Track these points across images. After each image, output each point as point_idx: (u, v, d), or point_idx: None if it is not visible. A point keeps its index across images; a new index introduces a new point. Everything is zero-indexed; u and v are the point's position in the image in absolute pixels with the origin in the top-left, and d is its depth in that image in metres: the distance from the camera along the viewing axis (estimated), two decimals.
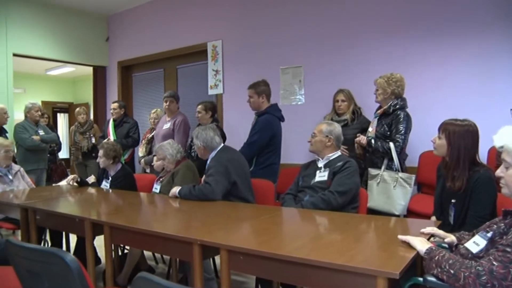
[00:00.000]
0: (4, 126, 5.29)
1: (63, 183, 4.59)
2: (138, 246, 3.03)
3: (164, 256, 4.36)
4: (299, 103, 4.94)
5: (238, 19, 5.47)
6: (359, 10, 4.49)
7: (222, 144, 3.50)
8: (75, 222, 2.78)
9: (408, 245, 1.81)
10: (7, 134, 5.23)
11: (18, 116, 6.34)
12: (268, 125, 3.96)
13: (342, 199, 2.86)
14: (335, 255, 1.72)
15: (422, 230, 2.03)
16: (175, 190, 3.30)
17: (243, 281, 3.62)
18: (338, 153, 3.12)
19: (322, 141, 3.09)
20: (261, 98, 4.08)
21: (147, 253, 3.95)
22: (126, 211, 3.09)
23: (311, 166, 3.21)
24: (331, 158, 3.08)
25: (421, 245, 1.76)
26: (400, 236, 1.87)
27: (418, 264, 1.96)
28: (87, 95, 11.94)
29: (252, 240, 2.06)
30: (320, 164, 3.11)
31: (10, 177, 4.35)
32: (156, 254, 4.33)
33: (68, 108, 12.95)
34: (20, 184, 4.42)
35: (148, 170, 5.18)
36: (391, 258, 1.73)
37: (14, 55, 6.06)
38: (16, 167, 4.51)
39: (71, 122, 12.56)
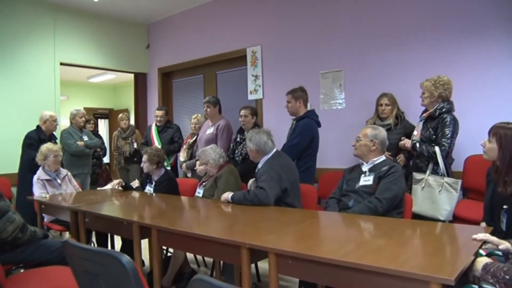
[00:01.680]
0: (54, 133, 5.47)
1: (107, 187, 4.73)
2: (185, 249, 3.08)
3: (205, 259, 4.42)
4: (339, 107, 4.91)
5: (277, 24, 5.49)
6: (401, 11, 4.43)
7: (275, 149, 3.49)
8: (123, 225, 2.85)
9: (461, 252, 1.77)
10: (56, 141, 5.41)
11: (62, 122, 6.56)
12: (309, 129, 4.04)
13: (388, 205, 2.83)
14: (387, 260, 1.71)
15: (474, 236, 1.98)
16: (227, 195, 3.32)
17: (285, 285, 3.62)
18: (383, 157, 3.09)
19: (366, 145, 3.06)
20: (298, 103, 4.18)
21: (189, 256, 3.99)
22: (172, 214, 3.15)
23: (355, 170, 3.19)
24: (376, 162, 3.05)
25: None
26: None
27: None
28: (127, 101, 12.26)
29: (300, 244, 2.06)
30: (365, 168, 3.09)
31: (59, 181, 4.51)
32: (198, 257, 4.39)
33: (108, 114, 13.29)
34: (68, 188, 4.58)
35: (189, 175, 5.25)
36: (444, 264, 1.70)
37: (61, 64, 6.29)
38: (64, 171, 4.68)
39: (111, 127, 12.89)
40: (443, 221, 3.30)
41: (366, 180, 3.02)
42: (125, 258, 1.59)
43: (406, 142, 3.66)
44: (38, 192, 4.34)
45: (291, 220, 2.73)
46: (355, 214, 2.82)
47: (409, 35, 4.38)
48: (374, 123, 3.95)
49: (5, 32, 5.74)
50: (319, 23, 5.07)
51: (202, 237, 2.29)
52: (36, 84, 6.01)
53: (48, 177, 4.45)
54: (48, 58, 6.15)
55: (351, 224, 2.60)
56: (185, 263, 3.79)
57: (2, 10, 5.71)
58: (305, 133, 4.00)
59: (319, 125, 4.19)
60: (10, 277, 2.59)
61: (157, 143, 5.67)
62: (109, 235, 4.16)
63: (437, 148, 3.44)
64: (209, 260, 4.40)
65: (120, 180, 4.36)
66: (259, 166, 3.43)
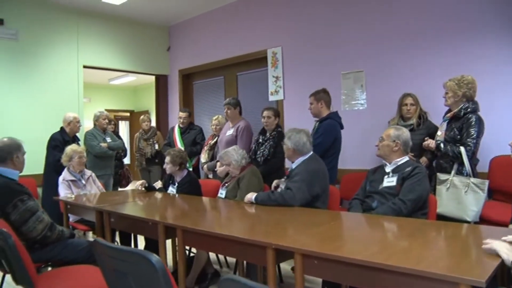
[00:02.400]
0: (77, 134, 5.56)
1: (129, 188, 4.78)
2: (210, 249, 3.10)
3: (228, 260, 4.44)
4: (361, 108, 4.89)
5: (298, 25, 5.49)
6: (423, 11, 4.39)
7: (312, 152, 3.46)
8: (148, 225, 2.89)
9: (491, 253, 1.75)
10: (79, 142, 5.50)
11: (85, 124, 6.65)
12: (332, 129, 4.06)
13: (412, 206, 2.81)
14: (414, 261, 1.70)
15: (504, 238, 1.95)
16: (251, 196, 3.33)
17: (308, 286, 3.62)
18: (406, 158, 3.07)
19: (389, 146, 3.05)
20: (320, 104, 4.22)
21: (211, 256, 4.02)
22: (196, 215, 3.18)
23: (379, 171, 3.18)
24: (399, 163, 3.03)
25: (508, 253, 1.69)
26: (485, 246, 1.80)
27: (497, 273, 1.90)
28: (147, 103, 12.40)
29: (326, 245, 2.06)
30: (388, 169, 3.07)
31: (83, 181, 4.59)
32: (220, 258, 4.42)
33: (129, 116, 13.45)
34: (92, 189, 4.65)
35: (210, 176, 5.28)
36: (474, 265, 1.69)
37: (84, 66, 6.40)
38: (88, 172, 4.75)
39: (132, 129, 13.05)
40: (469, 222, 3.26)
41: (390, 181, 3.01)
42: (155, 257, 1.61)
43: (430, 143, 3.63)
44: (64, 192, 4.41)
45: (315, 221, 2.72)
46: (379, 215, 2.81)
47: (432, 35, 4.34)
48: (397, 124, 3.93)
49: (31, 37, 5.87)
50: (340, 23, 5.05)
51: (227, 238, 2.30)
52: (60, 86, 6.14)
53: (73, 178, 4.52)
54: (71, 61, 6.27)
55: (376, 225, 2.59)
56: (208, 264, 3.81)
57: (28, 15, 5.84)
58: (328, 134, 4.01)
59: (341, 126, 4.20)
60: (40, 275, 2.65)
61: (179, 145, 5.72)
62: (132, 234, 4.21)
63: (462, 148, 3.40)
64: (231, 260, 4.43)
65: (143, 181, 4.41)
66: (293, 166, 3.41)
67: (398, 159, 3.04)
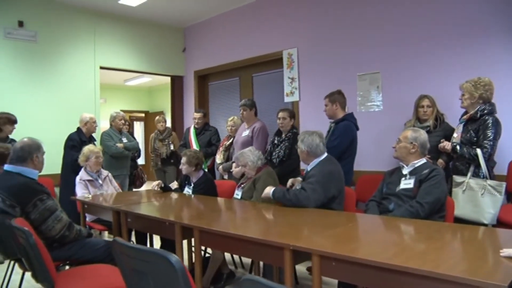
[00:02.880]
0: (93, 134, 5.62)
1: (143, 188, 4.81)
2: (228, 250, 3.11)
3: (243, 260, 4.45)
4: (377, 109, 4.87)
5: (313, 27, 5.49)
6: (440, 12, 4.36)
7: (326, 154, 3.44)
8: (165, 225, 2.91)
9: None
10: (95, 142, 5.55)
11: (100, 125, 6.71)
12: (348, 130, 4.06)
13: (430, 209, 2.79)
14: (433, 264, 1.69)
15: None
16: (269, 190, 3.32)
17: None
18: (424, 160, 3.05)
19: (406, 148, 3.03)
20: (334, 105, 4.21)
21: (226, 257, 4.03)
22: (212, 216, 3.20)
23: (396, 173, 3.16)
24: (416, 165, 3.01)
25: None
26: (503, 254, 1.77)
27: None
28: (162, 103, 12.49)
29: (344, 246, 2.06)
30: (405, 171, 3.05)
31: (100, 181, 4.64)
32: (235, 259, 4.43)
33: (144, 117, 13.55)
34: (109, 189, 4.70)
35: (226, 177, 5.29)
36: (494, 269, 1.68)
37: (101, 68, 6.47)
38: (104, 172, 4.80)
39: (146, 129, 13.14)
40: (486, 225, 3.24)
41: (407, 183, 2.99)
42: (174, 257, 1.62)
43: (446, 145, 3.60)
44: (81, 192, 4.46)
45: (332, 222, 2.72)
46: (396, 217, 2.79)
47: (449, 37, 4.31)
48: (413, 126, 3.90)
49: (50, 39, 5.96)
50: (356, 25, 5.04)
51: (245, 238, 2.31)
52: (77, 87, 6.22)
53: (90, 178, 4.57)
54: (88, 62, 6.35)
55: (393, 228, 2.57)
56: (223, 264, 3.83)
57: (47, 17, 5.93)
58: (345, 135, 4.01)
59: (357, 128, 4.19)
60: (58, 273, 2.68)
61: (195, 146, 5.75)
62: (148, 234, 4.24)
63: (478, 151, 3.38)
64: (246, 261, 4.44)
65: (159, 181, 4.44)
66: (308, 168, 3.39)
67: (416, 161, 3.02)
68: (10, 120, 4.95)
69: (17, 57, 5.70)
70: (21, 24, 5.69)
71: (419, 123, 4.02)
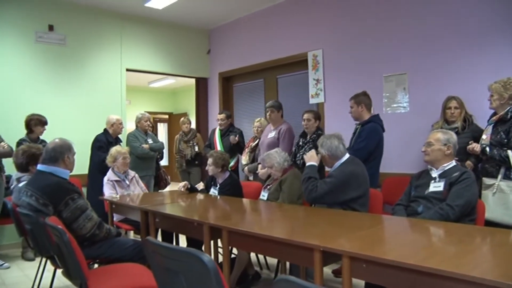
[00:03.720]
0: (119, 136, 5.71)
1: (168, 189, 4.86)
2: (256, 250, 3.13)
3: (268, 262, 4.46)
4: (403, 111, 4.82)
5: (339, 28, 5.46)
6: (468, 11, 4.29)
7: (348, 155, 3.45)
8: (193, 225, 2.93)
9: None
10: (121, 143, 5.64)
11: (126, 126, 6.80)
12: (375, 132, 4.03)
13: (461, 212, 2.75)
14: (468, 267, 1.66)
15: None
16: (309, 159, 3.51)
17: None
18: (453, 162, 3.01)
19: (441, 150, 2.98)
20: (360, 107, 4.18)
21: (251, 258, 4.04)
22: (240, 216, 3.22)
23: (423, 176, 3.12)
24: (446, 168, 2.97)
25: None
26: None
27: None
28: (186, 105, 12.60)
29: (375, 248, 2.05)
30: (435, 174, 3.01)
31: (127, 182, 4.71)
32: (260, 260, 4.44)
33: (168, 118, 13.69)
34: (136, 189, 4.76)
35: (251, 178, 5.31)
36: None
37: (127, 70, 6.57)
38: (131, 173, 4.87)
39: (170, 131, 13.27)
40: None
41: (436, 186, 2.95)
42: (206, 257, 1.63)
43: (475, 146, 3.54)
44: (108, 192, 4.54)
45: (360, 224, 2.71)
46: (426, 220, 2.76)
47: (477, 36, 4.23)
48: (441, 127, 3.85)
49: (77, 42, 6.08)
50: (382, 25, 5.00)
51: (275, 239, 2.32)
52: (104, 89, 6.33)
53: (117, 178, 4.65)
54: (115, 64, 6.45)
55: (423, 230, 2.55)
56: (249, 265, 3.84)
57: (75, 21, 6.05)
58: (371, 137, 3.97)
59: (383, 129, 4.15)
60: (90, 271, 2.73)
61: (219, 147, 5.78)
62: (174, 234, 4.27)
63: (510, 152, 3.31)
64: (271, 262, 4.44)
65: (186, 182, 4.48)
66: (330, 172, 3.40)
67: (445, 164, 2.98)
68: (41, 122, 5.07)
69: (47, 61, 5.83)
70: (51, 28, 5.82)
71: (446, 125, 3.97)
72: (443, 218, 2.71)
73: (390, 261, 1.80)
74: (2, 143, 4.66)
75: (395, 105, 4.89)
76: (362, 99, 4.19)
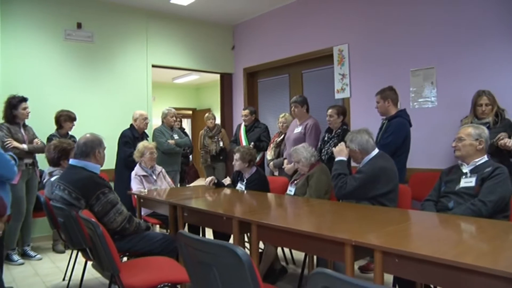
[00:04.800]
0: (145, 131, 5.77)
1: (196, 184, 4.89)
2: (285, 245, 3.13)
3: (294, 257, 4.47)
4: (431, 106, 4.75)
5: (365, 22, 5.41)
6: (496, 4, 4.19)
7: (377, 150, 3.42)
8: (222, 220, 2.95)
9: None
10: (147, 138, 5.70)
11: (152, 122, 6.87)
12: (402, 127, 3.99)
13: (493, 208, 2.70)
14: (506, 263, 1.63)
15: None
16: (339, 153, 3.50)
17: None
18: (485, 157, 2.95)
19: (472, 145, 2.93)
20: (386, 102, 4.15)
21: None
22: (267, 211, 3.23)
23: (454, 172, 3.08)
24: (478, 163, 2.92)
25: None
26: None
27: None
28: (209, 101, 12.66)
29: (407, 243, 2.03)
30: (466, 169, 2.97)
31: (154, 177, 4.76)
32: (286, 255, 4.45)
33: (191, 114, 13.77)
34: (163, 184, 4.81)
35: (276, 173, 5.32)
36: None
37: (153, 66, 6.64)
38: (158, 168, 4.92)
39: (194, 127, 13.36)
40: None
41: (468, 181, 2.91)
42: (241, 250, 1.65)
43: (507, 142, 3.47)
44: (136, 187, 4.60)
45: (389, 219, 2.69)
46: (457, 215, 2.73)
47: (507, 28, 4.13)
48: (471, 122, 3.78)
49: (104, 38, 6.17)
50: (409, 19, 4.92)
51: (305, 233, 2.31)
52: (130, 85, 6.40)
53: (144, 173, 4.70)
54: (141, 61, 6.52)
55: (455, 226, 2.51)
56: (275, 260, 3.85)
57: (102, 18, 6.14)
58: (399, 132, 3.94)
59: (410, 124, 4.11)
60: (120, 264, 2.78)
61: (244, 142, 5.81)
62: (200, 228, 4.30)
63: None
64: (297, 257, 4.45)
65: (213, 177, 4.50)
66: (360, 166, 3.38)
67: (477, 159, 2.93)
68: (70, 117, 5.17)
69: (75, 58, 5.93)
70: (79, 25, 5.91)
71: (477, 120, 3.88)
72: (475, 214, 2.67)
73: (424, 256, 1.78)
74: (36, 139, 4.78)
75: (422, 100, 4.82)
76: (388, 94, 4.15)
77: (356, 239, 2.06)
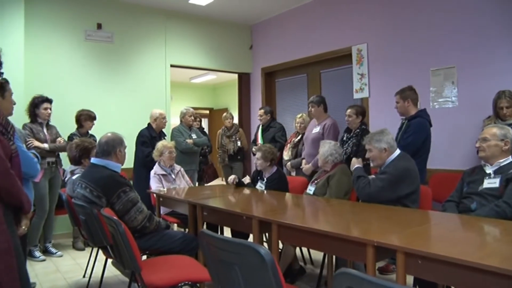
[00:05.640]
0: (163, 130, 5.81)
1: (214, 183, 4.90)
2: (305, 245, 3.12)
3: (312, 257, 4.45)
4: (451, 105, 4.68)
5: (384, 21, 5.36)
6: None
7: (399, 151, 3.38)
8: (242, 219, 2.96)
9: None
10: (165, 138, 5.73)
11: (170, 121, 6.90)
12: (422, 128, 3.95)
13: None
14: None
15: None
16: (355, 164, 3.51)
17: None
18: (510, 158, 2.90)
19: (497, 145, 2.88)
20: (406, 102, 4.11)
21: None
22: (287, 210, 3.24)
23: (477, 172, 3.03)
24: (502, 164, 2.88)
25: None
26: None
27: None
28: (226, 100, 12.69)
29: (431, 245, 2.02)
30: (489, 170, 2.92)
31: (173, 176, 4.79)
32: (305, 255, 4.44)
33: (208, 114, 13.81)
34: (182, 183, 4.84)
35: (293, 173, 5.31)
36: None
37: (171, 66, 6.68)
38: (177, 167, 4.95)
39: (211, 126, 13.39)
40: None
41: (491, 182, 2.87)
42: (263, 249, 1.65)
43: None
44: (155, 186, 4.63)
45: (411, 220, 2.67)
46: (480, 217, 2.69)
47: None
48: (494, 123, 3.72)
49: (124, 39, 6.23)
50: (429, 17, 4.86)
51: (326, 233, 2.31)
52: (149, 85, 6.46)
53: (163, 172, 4.73)
54: (160, 61, 6.57)
55: (478, 227, 2.48)
56: (294, 260, 3.85)
57: (122, 19, 6.21)
58: (419, 132, 3.90)
59: (430, 124, 4.06)
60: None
61: (260, 142, 5.82)
62: (219, 227, 4.32)
63: None
64: (315, 257, 4.44)
65: (235, 176, 4.50)
66: (382, 168, 3.33)
67: (502, 160, 2.89)
68: (90, 117, 5.23)
69: (95, 58, 6.01)
70: (99, 26, 5.99)
71: (500, 120, 3.82)
72: (499, 216, 2.63)
73: (448, 258, 1.76)
74: (59, 138, 4.86)
75: (442, 100, 4.77)
76: (408, 94, 4.11)
77: (378, 240, 2.05)
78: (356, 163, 3.56)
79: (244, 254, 1.74)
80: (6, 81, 2.54)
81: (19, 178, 2.15)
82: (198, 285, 2.63)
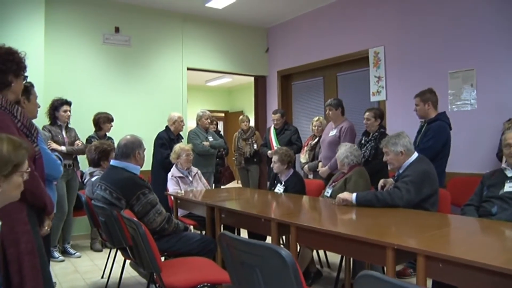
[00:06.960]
0: (180, 133, 5.85)
1: (230, 185, 4.91)
2: (324, 247, 3.13)
3: (329, 260, 4.44)
4: (470, 108, 4.64)
5: (401, 24, 5.33)
6: None
7: (417, 154, 3.33)
8: (261, 222, 2.97)
9: None
10: (182, 140, 5.77)
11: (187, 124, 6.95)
12: (442, 131, 3.92)
13: None
14: None
15: None
16: (348, 196, 3.15)
17: None
18: None
19: None
20: (426, 105, 4.09)
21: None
22: (305, 213, 3.23)
23: (497, 176, 3.00)
24: None
25: None
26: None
27: None
28: (242, 103, 12.72)
29: (452, 248, 2.01)
30: (511, 173, 2.89)
31: (190, 178, 4.82)
32: (321, 258, 4.43)
33: (224, 116, 13.87)
34: (199, 185, 4.86)
35: (311, 176, 5.30)
36: None
37: (188, 69, 6.73)
38: (194, 169, 4.98)
39: (226, 129, 13.44)
40: None
41: None
42: (285, 251, 1.65)
43: None
44: (172, 188, 4.66)
45: (431, 223, 2.64)
46: (502, 221, 2.66)
47: None
48: None
49: (141, 42, 6.30)
50: (447, 19, 4.82)
51: (345, 236, 2.31)
52: (166, 88, 6.52)
53: (181, 175, 4.76)
54: (177, 64, 6.63)
55: (500, 232, 2.45)
56: (311, 263, 3.85)
57: (139, 22, 6.28)
58: (439, 136, 3.87)
59: (450, 128, 4.03)
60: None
61: (275, 145, 5.82)
62: (235, 229, 4.33)
63: None
64: (332, 261, 4.42)
65: None
66: (400, 171, 3.28)
67: None
68: (108, 119, 5.30)
69: (113, 61, 6.09)
70: (117, 30, 6.07)
71: None
72: None
73: (471, 261, 1.75)
74: (77, 141, 4.92)
75: (460, 103, 4.72)
76: (428, 96, 4.08)
77: (398, 243, 2.04)
78: (347, 196, 3.18)
79: (266, 256, 1.74)
80: (31, 85, 2.59)
81: (42, 180, 2.19)
82: (216, 286, 2.64)
